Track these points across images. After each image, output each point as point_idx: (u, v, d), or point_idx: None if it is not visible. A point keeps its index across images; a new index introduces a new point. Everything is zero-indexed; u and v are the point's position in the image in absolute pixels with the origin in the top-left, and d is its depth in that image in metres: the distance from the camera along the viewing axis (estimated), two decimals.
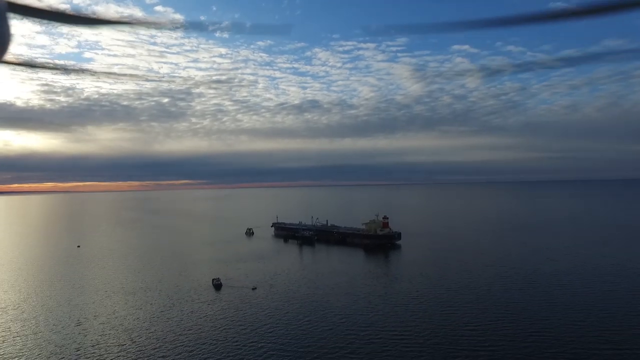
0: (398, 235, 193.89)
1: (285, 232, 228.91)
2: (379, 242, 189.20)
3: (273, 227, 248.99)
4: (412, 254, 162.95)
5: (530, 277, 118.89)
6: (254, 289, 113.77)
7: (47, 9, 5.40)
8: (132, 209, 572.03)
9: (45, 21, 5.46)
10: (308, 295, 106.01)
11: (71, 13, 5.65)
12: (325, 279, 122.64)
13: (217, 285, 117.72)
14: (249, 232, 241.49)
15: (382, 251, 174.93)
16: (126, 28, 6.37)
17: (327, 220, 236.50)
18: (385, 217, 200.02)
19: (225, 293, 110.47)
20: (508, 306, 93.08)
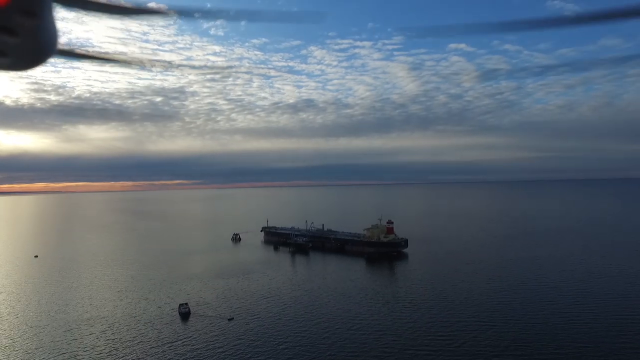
0: (405, 243, 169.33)
1: (277, 238, 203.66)
2: (383, 250, 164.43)
3: (263, 232, 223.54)
4: (422, 266, 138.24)
5: (570, 292, 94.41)
6: (230, 319, 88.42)
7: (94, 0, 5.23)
8: (118, 211, 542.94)
9: (89, 12, 5.25)
10: (300, 332, 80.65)
11: (115, 4, 5.46)
12: (321, 305, 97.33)
13: (184, 314, 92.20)
14: (236, 238, 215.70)
15: (387, 261, 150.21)
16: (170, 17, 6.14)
17: (322, 225, 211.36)
18: (389, 222, 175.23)
19: (192, 326, 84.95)
20: (555, 342, 68.47)
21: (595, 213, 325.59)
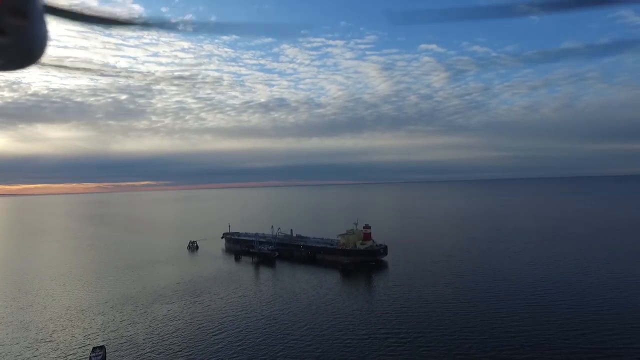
0: (384, 250, 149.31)
1: (239, 246, 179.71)
2: (359, 259, 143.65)
3: (224, 239, 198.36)
4: (406, 280, 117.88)
5: (576, 307, 76.25)
6: None
7: (83, 12, 5.35)
8: (69, 215, 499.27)
9: (81, 23, 5.38)
10: None
11: (108, 16, 5.57)
12: (287, 344, 74.51)
13: None
14: (193, 246, 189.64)
15: (365, 274, 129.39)
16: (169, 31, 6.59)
17: (291, 230, 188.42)
18: (366, 226, 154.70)
19: None
20: None
21: (562, 212, 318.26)
